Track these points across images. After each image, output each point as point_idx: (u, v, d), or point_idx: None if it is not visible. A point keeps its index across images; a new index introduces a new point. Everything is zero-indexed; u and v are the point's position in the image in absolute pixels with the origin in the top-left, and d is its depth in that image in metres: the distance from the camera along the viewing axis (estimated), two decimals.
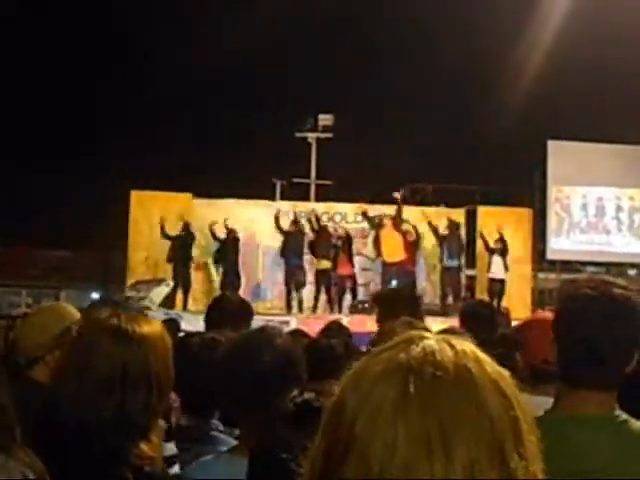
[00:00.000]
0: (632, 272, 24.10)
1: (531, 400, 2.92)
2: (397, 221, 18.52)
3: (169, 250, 18.49)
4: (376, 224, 18.84)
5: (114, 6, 25.37)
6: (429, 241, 19.70)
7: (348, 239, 19.02)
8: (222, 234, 18.76)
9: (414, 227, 18.81)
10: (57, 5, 24.80)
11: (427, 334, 1.12)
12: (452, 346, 1.08)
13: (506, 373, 1.08)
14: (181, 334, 5.11)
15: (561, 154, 22.39)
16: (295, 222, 18.96)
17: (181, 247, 18.43)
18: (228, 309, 4.99)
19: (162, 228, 18.50)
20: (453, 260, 18.79)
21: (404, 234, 18.46)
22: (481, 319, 5.38)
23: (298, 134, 22.95)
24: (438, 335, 1.11)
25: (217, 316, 4.84)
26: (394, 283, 18.22)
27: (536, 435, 1.07)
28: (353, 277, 19.00)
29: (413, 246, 18.68)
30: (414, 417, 1.00)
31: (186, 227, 18.62)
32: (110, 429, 2.17)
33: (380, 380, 1.05)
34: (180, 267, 18.35)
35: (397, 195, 19.05)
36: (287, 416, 2.27)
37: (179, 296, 18.25)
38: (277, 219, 19.01)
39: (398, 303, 5.20)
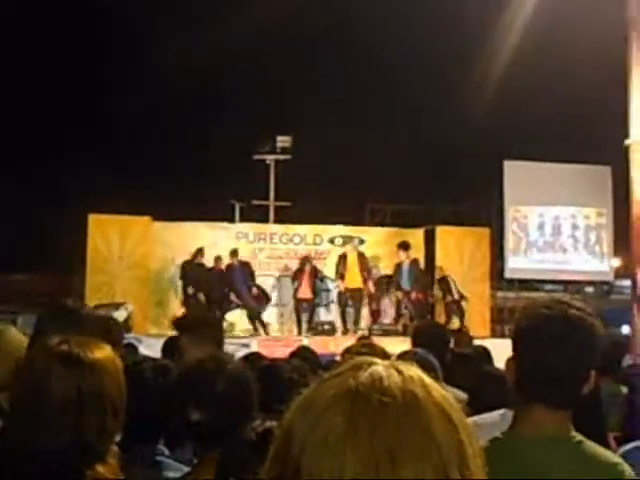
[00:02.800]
0: (589, 289, 24.39)
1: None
2: (361, 259, 18.68)
3: None
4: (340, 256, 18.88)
5: (77, 30, 25.27)
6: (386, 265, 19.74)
7: (308, 261, 19.04)
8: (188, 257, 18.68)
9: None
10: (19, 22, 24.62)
11: (376, 360, 1.14)
12: (400, 372, 1.10)
13: (452, 399, 1.11)
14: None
15: (517, 174, 22.60)
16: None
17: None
18: (190, 318, 5.04)
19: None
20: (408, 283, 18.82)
21: (366, 268, 18.64)
22: (433, 339, 5.44)
23: (256, 156, 22.96)
24: (386, 361, 1.14)
25: (183, 329, 4.89)
26: (350, 310, 18.65)
27: (482, 458, 1.10)
28: (312, 301, 19.00)
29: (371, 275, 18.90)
30: (362, 442, 1.03)
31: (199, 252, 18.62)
32: (66, 453, 2.17)
33: (328, 406, 1.07)
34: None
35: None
36: (249, 445, 2.28)
37: (138, 320, 18.12)
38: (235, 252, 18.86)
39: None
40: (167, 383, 3.20)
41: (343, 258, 18.64)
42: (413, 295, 18.62)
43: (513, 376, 2.42)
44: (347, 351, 4.90)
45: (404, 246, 18.89)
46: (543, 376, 2.33)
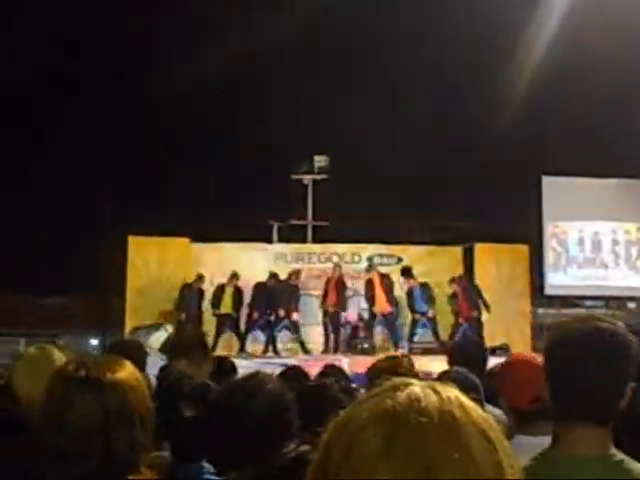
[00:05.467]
0: (632, 305, 24.10)
1: (527, 441, 2.94)
2: (384, 280, 18.60)
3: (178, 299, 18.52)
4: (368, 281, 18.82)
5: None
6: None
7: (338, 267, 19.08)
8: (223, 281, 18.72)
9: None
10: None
11: (412, 380, 1.13)
12: (437, 392, 1.10)
13: (491, 419, 1.10)
14: None
15: (556, 189, 22.48)
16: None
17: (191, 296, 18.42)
18: (183, 342, 5.10)
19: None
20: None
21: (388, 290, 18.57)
22: (471, 357, 5.42)
23: (294, 176, 23.04)
24: (423, 382, 1.13)
25: (174, 350, 4.97)
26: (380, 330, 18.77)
27: (520, 478, 1.09)
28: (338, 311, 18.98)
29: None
30: (399, 462, 1.02)
31: (200, 278, 18.62)
32: (97, 473, 2.19)
33: (365, 426, 1.07)
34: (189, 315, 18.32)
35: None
36: (283, 470, 2.28)
37: None
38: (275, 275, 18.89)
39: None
40: (207, 402, 3.22)
41: (370, 283, 18.62)
42: (430, 314, 18.57)
43: (549, 394, 2.40)
44: (372, 367, 4.92)
45: (405, 272, 18.84)
46: (580, 393, 2.30)
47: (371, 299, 18.54)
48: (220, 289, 18.60)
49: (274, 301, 18.44)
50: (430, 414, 1.06)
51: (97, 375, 2.30)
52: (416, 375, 4.79)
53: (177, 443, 3.20)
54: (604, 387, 2.30)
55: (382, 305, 18.47)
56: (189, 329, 15.82)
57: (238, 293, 18.56)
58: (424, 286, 18.68)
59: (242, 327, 18.58)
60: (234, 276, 18.55)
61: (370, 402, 1.10)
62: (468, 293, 18.45)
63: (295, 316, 18.60)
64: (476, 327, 17.98)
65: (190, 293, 18.42)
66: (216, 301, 18.49)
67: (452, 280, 18.75)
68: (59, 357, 3.65)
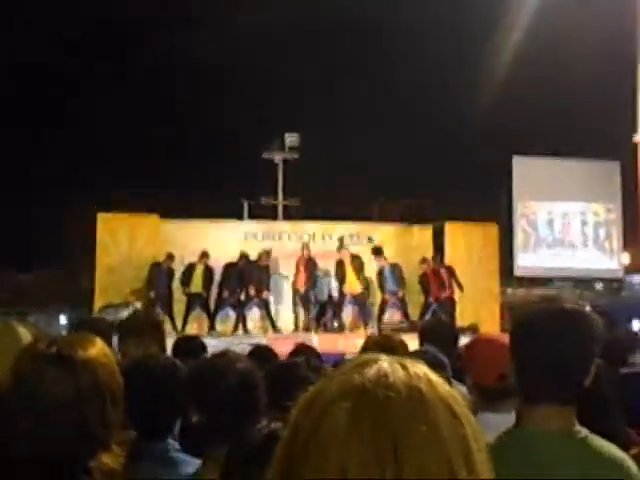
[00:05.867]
0: (599, 286, 24.35)
1: (492, 418, 2.97)
2: (355, 260, 18.61)
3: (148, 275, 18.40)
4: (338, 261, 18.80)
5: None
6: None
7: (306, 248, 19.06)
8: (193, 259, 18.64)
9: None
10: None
11: (381, 357, 1.14)
12: (405, 368, 1.11)
13: (457, 394, 1.12)
14: None
15: (526, 169, 22.60)
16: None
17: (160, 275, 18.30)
18: (133, 322, 5.11)
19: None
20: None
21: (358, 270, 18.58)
22: (441, 336, 5.46)
23: (265, 155, 22.99)
24: (392, 358, 1.14)
25: (124, 330, 4.97)
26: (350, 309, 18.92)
27: (486, 453, 1.10)
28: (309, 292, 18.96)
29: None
30: (366, 436, 1.03)
31: (170, 257, 18.49)
32: (70, 445, 2.20)
33: (333, 401, 1.07)
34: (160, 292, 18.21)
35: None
36: (255, 446, 2.29)
37: None
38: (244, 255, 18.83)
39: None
40: (176, 380, 3.21)
41: (341, 263, 18.63)
42: (400, 294, 18.61)
43: (513, 374, 2.43)
44: (366, 343, 4.95)
45: (376, 252, 18.85)
46: (544, 373, 2.33)
47: (341, 279, 18.55)
48: (190, 268, 18.53)
49: (244, 280, 18.42)
50: (397, 389, 1.07)
51: (68, 352, 2.29)
52: (407, 350, 4.82)
53: (143, 420, 3.19)
54: (568, 366, 2.33)
55: (352, 285, 18.50)
56: (141, 310, 15.78)
57: (208, 272, 18.50)
58: (394, 266, 18.72)
59: (212, 306, 18.54)
60: (204, 255, 18.48)
61: (339, 378, 1.11)
62: (438, 273, 18.53)
63: (265, 295, 18.60)
64: (445, 307, 18.08)
65: (160, 272, 18.33)
66: (186, 280, 18.42)
67: (422, 261, 18.81)
68: (24, 333, 3.63)
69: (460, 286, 18.44)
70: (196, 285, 18.41)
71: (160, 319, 5.84)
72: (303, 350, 5.97)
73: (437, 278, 18.47)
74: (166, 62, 24.07)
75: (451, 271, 18.68)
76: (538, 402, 2.34)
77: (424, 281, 18.63)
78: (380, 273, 18.68)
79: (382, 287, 18.69)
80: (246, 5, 21.43)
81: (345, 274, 18.47)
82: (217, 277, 18.64)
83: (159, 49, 23.06)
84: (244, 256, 18.59)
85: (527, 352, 2.38)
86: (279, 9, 21.81)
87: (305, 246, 19.13)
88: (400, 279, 18.67)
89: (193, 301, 18.37)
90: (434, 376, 1.12)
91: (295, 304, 18.95)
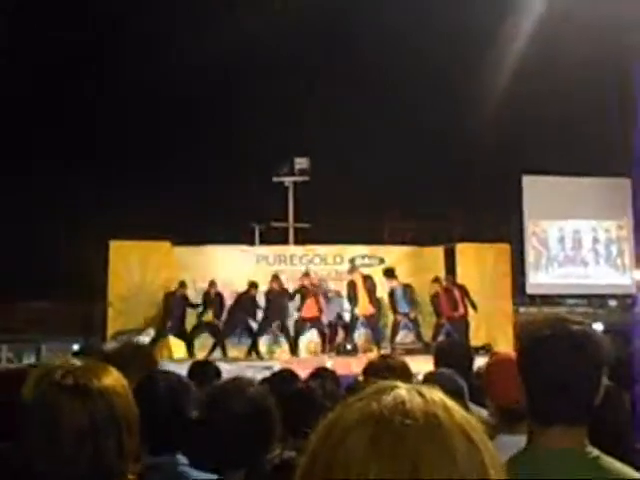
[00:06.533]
0: (613, 303, 24.24)
1: (509, 440, 2.98)
2: (367, 281, 18.60)
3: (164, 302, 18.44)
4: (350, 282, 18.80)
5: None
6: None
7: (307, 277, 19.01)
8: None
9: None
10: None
11: (399, 384, 1.16)
12: (422, 395, 1.13)
13: (474, 420, 1.13)
14: None
15: (536, 188, 22.61)
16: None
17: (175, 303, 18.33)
18: (118, 354, 5.11)
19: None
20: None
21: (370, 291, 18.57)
22: (457, 357, 5.45)
23: (275, 178, 23.05)
24: (409, 384, 1.16)
25: (117, 362, 4.96)
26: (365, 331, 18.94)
27: (503, 478, 1.12)
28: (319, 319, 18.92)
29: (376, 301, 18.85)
30: (384, 463, 1.05)
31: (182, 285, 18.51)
32: (87, 476, 2.21)
33: (352, 429, 1.09)
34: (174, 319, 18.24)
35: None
36: (265, 477, 2.29)
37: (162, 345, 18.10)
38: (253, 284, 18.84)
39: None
40: (183, 396, 3.21)
41: (352, 284, 18.61)
42: (412, 315, 18.60)
43: (524, 396, 2.44)
44: (368, 367, 4.95)
45: (388, 273, 18.83)
46: (553, 394, 2.34)
47: (353, 300, 18.53)
48: (204, 296, 18.54)
49: (256, 307, 18.47)
50: (415, 416, 1.09)
51: (84, 382, 2.31)
52: (410, 373, 4.82)
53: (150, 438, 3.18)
54: (577, 387, 2.35)
55: (364, 306, 18.47)
56: (130, 343, 15.74)
57: (219, 299, 18.53)
58: (406, 287, 18.71)
59: (223, 332, 18.53)
60: (212, 284, 18.52)
61: (356, 405, 1.13)
62: (450, 293, 18.49)
63: (278, 320, 18.60)
64: (458, 327, 18.03)
65: (174, 300, 18.36)
66: (200, 308, 18.47)
67: (434, 280, 18.79)
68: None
69: (474, 305, 18.39)
70: (208, 313, 18.46)
71: (151, 349, 5.82)
72: (321, 373, 5.99)
73: (449, 297, 18.42)
74: (174, 87, 24.16)
75: (464, 290, 18.63)
76: (549, 423, 2.35)
77: (436, 301, 18.58)
78: (392, 294, 18.65)
79: (394, 308, 18.66)
80: (252, 23, 21.51)
81: (357, 295, 18.44)
82: (228, 301, 18.66)
83: (169, 71, 23.18)
84: (253, 285, 18.56)
85: (535, 374, 2.39)
86: (287, 35, 21.93)
87: (306, 273, 19.07)
88: (412, 300, 18.64)
89: (208, 328, 18.38)
90: (451, 402, 1.14)
91: (306, 329, 18.94)
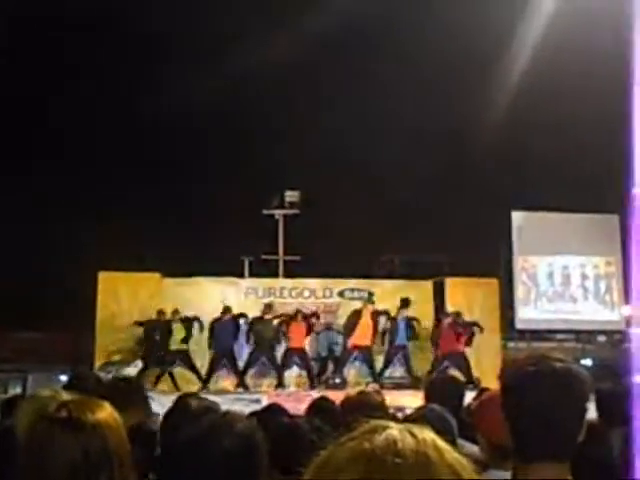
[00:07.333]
0: (601, 338, 24.26)
1: (499, 475, 2.98)
2: (375, 317, 18.67)
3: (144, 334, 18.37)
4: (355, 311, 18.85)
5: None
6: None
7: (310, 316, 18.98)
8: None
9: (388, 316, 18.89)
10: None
11: (391, 424, 1.18)
12: (413, 435, 1.14)
13: (464, 460, 1.15)
14: None
15: (525, 224, 22.70)
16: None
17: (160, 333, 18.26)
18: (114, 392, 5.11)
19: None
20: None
21: (374, 326, 18.63)
22: (448, 393, 5.44)
23: (265, 211, 23.09)
24: (400, 425, 1.18)
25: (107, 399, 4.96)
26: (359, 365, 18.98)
27: None
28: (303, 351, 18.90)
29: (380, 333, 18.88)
30: None
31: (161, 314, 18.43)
32: None
33: (344, 468, 1.10)
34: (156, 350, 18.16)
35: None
36: None
37: (150, 377, 17.99)
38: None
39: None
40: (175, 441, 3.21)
41: (357, 314, 18.61)
42: (407, 349, 18.66)
43: (508, 433, 2.45)
44: (344, 402, 4.98)
45: (404, 303, 18.90)
46: (537, 431, 2.36)
47: (350, 329, 18.53)
48: (187, 328, 18.48)
49: (252, 338, 18.46)
50: (405, 455, 1.10)
51: (78, 415, 2.31)
52: (386, 410, 4.84)
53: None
54: (560, 424, 2.36)
55: (361, 338, 18.45)
56: (118, 377, 15.68)
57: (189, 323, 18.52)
58: (412, 320, 18.80)
59: (206, 365, 18.46)
60: (196, 318, 18.50)
61: (348, 444, 1.14)
62: (454, 328, 18.57)
63: (271, 350, 18.58)
64: (458, 361, 18.13)
65: (154, 330, 18.32)
66: (181, 338, 18.43)
67: (444, 314, 18.95)
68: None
69: (470, 341, 18.51)
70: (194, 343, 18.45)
71: (142, 383, 5.80)
72: (321, 404, 5.98)
73: (453, 332, 18.51)
74: (164, 119, 24.23)
75: (472, 331, 18.73)
76: (532, 460, 2.37)
77: (437, 333, 18.71)
78: (395, 324, 18.69)
79: (391, 340, 18.70)
80: (240, 58, 21.61)
81: (357, 325, 18.44)
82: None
83: (160, 107, 23.25)
84: (227, 309, 18.55)
85: (519, 411, 2.41)
86: (274, 63, 22.02)
87: (298, 312, 19.02)
88: (412, 334, 18.70)
89: (177, 356, 18.35)
90: (442, 442, 1.15)
91: (294, 363, 18.90)
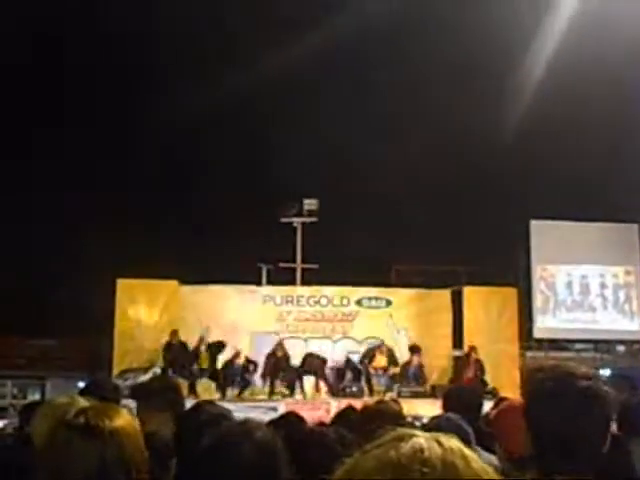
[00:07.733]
0: (620, 348, 24.11)
1: None
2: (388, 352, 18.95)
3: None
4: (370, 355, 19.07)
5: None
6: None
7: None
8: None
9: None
10: None
11: (416, 432, 1.17)
12: (440, 444, 1.13)
13: (491, 469, 1.14)
14: None
15: (544, 233, 22.61)
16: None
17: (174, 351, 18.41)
18: (146, 387, 5.12)
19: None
20: None
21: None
22: (465, 402, 5.42)
23: (283, 219, 23.09)
24: (427, 433, 1.17)
25: (140, 395, 4.98)
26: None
27: None
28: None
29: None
30: None
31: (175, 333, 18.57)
32: None
33: (370, 477, 1.09)
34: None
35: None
36: None
37: None
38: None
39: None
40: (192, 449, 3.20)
41: (379, 349, 18.98)
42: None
43: (529, 448, 2.43)
44: (363, 410, 4.97)
45: (414, 349, 19.05)
46: (560, 449, 2.34)
47: (371, 358, 18.78)
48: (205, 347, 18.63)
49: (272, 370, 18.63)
50: (433, 464, 1.09)
51: (96, 422, 2.31)
52: (404, 419, 4.83)
53: None
54: (583, 444, 2.34)
55: (379, 365, 18.76)
56: (158, 374, 15.79)
57: (217, 346, 18.61)
58: (420, 367, 18.96)
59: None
60: (201, 339, 18.62)
61: (374, 453, 1.13)
62: (477, 365, 18.73)
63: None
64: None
65: (173, 348, 18.40)
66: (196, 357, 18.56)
67: (470, 347, 19.02)
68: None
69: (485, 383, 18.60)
70: (204, 360, 18.57)
71: (177, 382, 5.82)
72: (348, 412, 5.95)
73: (475, 368, 18.66)
74: (181, 126, 24.28)
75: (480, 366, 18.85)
76: (554, 474, 2.35)
77: (460, 364, 18.88)
78: (405, 369, 18.86)
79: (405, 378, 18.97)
80: (264, 65, 21.64)
81: (376, 358, 18.74)
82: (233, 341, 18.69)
83: (177, 113, 23.28)
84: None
85: (541, 428, 2.39)
86: (296, 69, 22.04)
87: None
88: (420, 377, 18.87)
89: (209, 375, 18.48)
90: (468, 451, 1.14)
91: (312, 371, 18.95)
